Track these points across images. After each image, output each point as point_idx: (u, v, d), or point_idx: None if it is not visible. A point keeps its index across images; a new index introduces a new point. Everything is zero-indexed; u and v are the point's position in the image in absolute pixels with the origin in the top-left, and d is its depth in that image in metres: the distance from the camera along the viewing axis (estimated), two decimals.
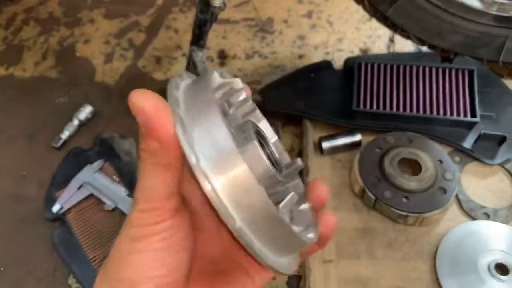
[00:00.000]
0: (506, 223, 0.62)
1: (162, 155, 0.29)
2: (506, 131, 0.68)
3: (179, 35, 0.90)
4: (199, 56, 0.70)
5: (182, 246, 0.30)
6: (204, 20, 0.67)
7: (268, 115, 0.37)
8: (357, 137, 0.69)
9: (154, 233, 0.29)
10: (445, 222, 0.63)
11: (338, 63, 0.79)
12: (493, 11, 0.66)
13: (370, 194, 0.62)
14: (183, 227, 0.30)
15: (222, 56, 0.86)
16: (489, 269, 0.56)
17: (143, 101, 0.29)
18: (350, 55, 0.84)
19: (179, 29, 0.90)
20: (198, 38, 0.69)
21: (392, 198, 0.61)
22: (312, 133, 0.71)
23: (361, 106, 0.69)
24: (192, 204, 0.33)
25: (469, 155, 0.68)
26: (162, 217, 0.29)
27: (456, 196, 0.65)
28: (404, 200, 0.61)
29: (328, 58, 0.84)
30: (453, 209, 0.64)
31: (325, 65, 0.76)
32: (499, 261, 0.57)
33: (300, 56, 0.85)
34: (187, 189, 0.32)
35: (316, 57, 0.85)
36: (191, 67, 0.71)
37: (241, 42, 0.88)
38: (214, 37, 0.88)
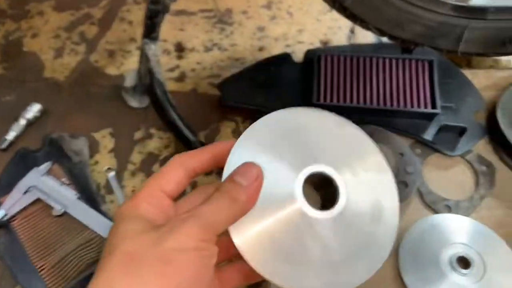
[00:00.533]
0: (467, 215, 0.62)
1: (244, 204, 0.32)
2: (466, 122, 0.68)
3: (133, 27, 0.85)
4: (152, 49, 0.67)
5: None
6: (156, 11, 0.63)
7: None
8: None
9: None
10: (407, 216, 0.62)
11: (299, 55, 0.77)
12: (452, 0, 0.65)
13: None
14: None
15: (180, 49, 0.82)
16: (450, 263, 0.56)
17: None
18: (311, 47, 0.82)
19: (133, 21, 0.86)
20: (151, 30, 0.66)
21: None
22: None
23: (321, 99, 0.68)
24: None
25: (431, 147, 0.67)
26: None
27: (418, 189, 0.64)
28: None
29: (289, 50, 0.82)
30: (415, 203, 0.63)
31: (284, 58, 0.74)
32: (461, 255, 0.56)
33: (261, 48, 0.83)
34: None
35: (277, 49, 0.82)
36: (144, 60, 0.67)
37: (199, 34, 0.84)
38: (171, 29, 0.84)
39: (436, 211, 0.62)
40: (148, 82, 0.67)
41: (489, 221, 0.61)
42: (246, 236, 0.33)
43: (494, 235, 0.59)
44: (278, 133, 0.37)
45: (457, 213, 0.62)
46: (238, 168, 0.34)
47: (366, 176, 0.36)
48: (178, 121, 0.64)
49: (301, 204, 0.34)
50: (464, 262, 0.56)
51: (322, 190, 0.36)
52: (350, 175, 0.36)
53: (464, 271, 0.55)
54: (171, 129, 0.66)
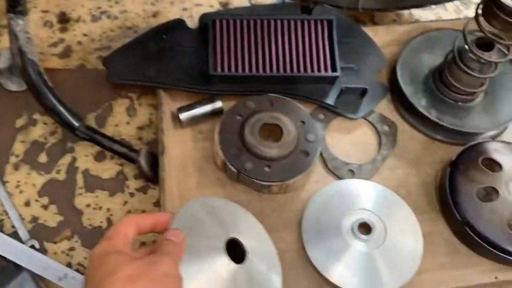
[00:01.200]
0: (370, 177, 0.62)
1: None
2: (367, 82, 0.66)
3: None
4: (20, 24, 0.58)
5: None
6: None
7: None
8: (218, 104, 0.63)
9: None
10: (310, 186, 0.61)
11: (196, 21, 0.71)
12: None
13: (231, 167, 0.57)
14: None
15: (64, 20, 0.74)
16: (352, 230, 0.56)
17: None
18: (210, 10, 0.76)
19: None
20: (14, 3, 0.57)
21: (254, 169, 0.57)
22: (169, 104, 0.64)
23: (219, 69, 0.63)
24: None
25: (333, 111, 0.66)
26: None
27: (322, 156, 0.63)
28: (267, 169, 0.58)
29: (186, 14, 0.76)
30: (318, 171, 0.62)
31: (178, 24, 0.68)
32: (362, 221, 0.56)
33: (155, 14, 0.76)
34: None
35: (173, 14, 0.76)
36: (12, 38, 0.59)
37: (85, 1, 0.76)
38: None
39: (339, 177, 0.62)
40: (20, 63, 0.59)
41: (392, 181, 0.62)
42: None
43: (396, 197, 0.59)
44: (201, 214, 0.50)
45: (360, 176, 0.62)
46: (173, 231, 0.45)
47: (254, 244, 0.51)
48: (58, 105, 0.58)
49: (225, 259, 0.46)
50: (365, 228, 0.56)
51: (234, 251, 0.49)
52: (246, 241, 0.50)
53: (365, 237, 0.55)
54: (51, 115, 0.59)
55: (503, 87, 0.66)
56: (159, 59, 0.65)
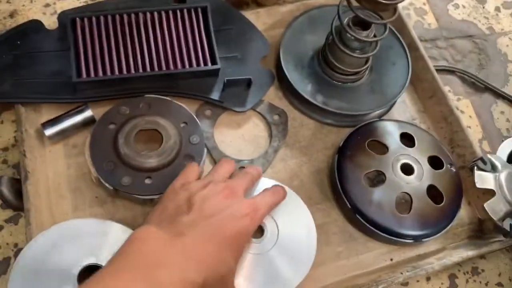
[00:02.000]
0: (264, 171, 0.59)
1: None
2: (253, 71, 0.63)
3: None
4: None
5: None
6: None
7: None
8: (88, 113, 0.57)
9: None
10: None
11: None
12: None
13: (107, 184, 0.52)
14: None
15: None
16: None
17: None
18: (77, 5, 0.68)
19: None
20: None
21: (132, 183, 0.52)
22: (32, 120, 0.56)
23: (84, 75, 0.57)
24: None
25: (220, 106, 0.62)
26: None
27: (211, 156, 0.59)
28: (147, 181, 0.53)
29: (49, 11, 0.68)
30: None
31: (33, 27, 0.60)
32: None
33: (12, 14, 0.67)
34: None
35: (34, 12, 0.67)
36: None
37: None
38: None
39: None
40: None
41: (284, 173, 0.60)
42: None
43: (287, 190, 0.57)
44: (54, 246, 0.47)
45: None
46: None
47: None
48: None
49: None
50: (257, 230, 0.54)
51: None
52: None
53: (257, 240, 0.53)
54: None
55: (388, 61, 0.65)
56: (14, 70, 0.57)
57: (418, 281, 0.56)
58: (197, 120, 0.58)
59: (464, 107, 0.69)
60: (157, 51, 0.59)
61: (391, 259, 0.56)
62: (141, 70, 0.58)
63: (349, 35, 0.57)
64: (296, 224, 0.55)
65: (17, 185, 0.53)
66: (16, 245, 0.53)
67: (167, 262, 0.41)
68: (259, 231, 0.54)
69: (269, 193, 0.52)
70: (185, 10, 0.61)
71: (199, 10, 0.62)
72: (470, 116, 0.69)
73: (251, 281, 0.51)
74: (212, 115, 0.62)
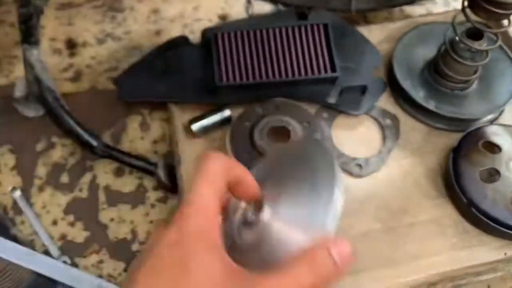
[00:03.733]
0: (378, 170, 0.65)
1: None
2: (366, 79, 0.69)
3: (17, 29, 0.78)
4: (34, 54, 0.62)
5: None
6: (28, 14, 0.58)
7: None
8: (226, 113, 0.66)
9: None
10: None
11: (198, 35, 0.74)
12: None
13: None
14: None
15: (71, 46, 0.77)
16: None
17: None
18: (209, 24, 0.80)
19: (15, 22, 0.79)
20: (28, 35, 0.61)
21: None
22: (181, 117, 0.67)
23: (224, 80, 0.67)
24: None
25: (336, 110, 0.69)
26: None
27: None
28: None
29: (187, 30, 0.80)
30: None
31: (181, 41, 0.71)
32: None
33: (157, 32, 0.79)
34: None
35: (175, 31, 0.79)
36: (28, 68, 0.62)
37: (90, 26, 0.79)
38: (58, 26, 0.78)
39: (348, 172, 0.65)
40: (37, 91, 0.62)
41: (398, 172, 0.65)
42: None
43: None
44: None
45: (367, 169, 0.64)
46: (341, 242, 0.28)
47: None
48: (76, 127, 0.61)
49: None
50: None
51: None
52: None
53: None
54: (70, 137, 0.62)
55: (495, 72, 0.69)
56: (167, 76, 0.68)
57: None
58: (318, 120, 0.66)
59: None
60: (284, 60, 0.68)
61: (505, 254, 0.58)
62: (270, 77, 0.67)
63: (463, 46, 0.63)
64: None
65: (169, 170, 0.63)
66: (165, 221, 0.63)
67: None
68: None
69: (305, 265, 0.30)
70: (308, 26, 0.70)
71: (321, 26, 0.70)
72: None
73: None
74: (328, 117, 0.69)
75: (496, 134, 0.63)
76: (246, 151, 0.62)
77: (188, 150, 0.64)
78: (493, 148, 0.61)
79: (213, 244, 0.30)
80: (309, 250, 0.30)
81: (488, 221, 0.57)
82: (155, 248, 0.30)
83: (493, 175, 0.60)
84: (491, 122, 0.67)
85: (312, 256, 0.29)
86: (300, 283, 0.28)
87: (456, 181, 0.59)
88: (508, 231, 0.56)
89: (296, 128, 0.63)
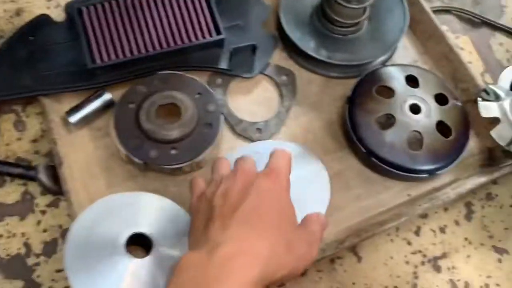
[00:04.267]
0: (277, 131, 0.62)
1: None
2: (256, 36, 0.65)
3: None
4: None
5: None
6: None
7: None
8: (107, 97, 0.60)
9: None
10: (224, 154, 0.60)
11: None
12: None
13: (136, 159, 0.56)
14: None
15: None
16: None
17: None
18: None
19: None
20: None
21: (159, 155, 0.56)
22: (56, 110, 0.60)
23: (98, 60, 0.59)
24: None
25: (230, 75, 0.65)
26: None
27: (228, 121, 0.62)
28: (173, 152, 0.56)
29: (53, 4, 0.70)
30: (228, 137, 0.62)
31: (42, 21, 0.62)
32: None
33: (18, 12, 0.69)
34: None
35: (38, 7, 0.69)
36: None
37: None
38: None
39: (249, 138, 0.62)
40: None
41: (298, 130, 0.63)
42: None
43: (296, 147, 0.60)
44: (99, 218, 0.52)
45: (267, 132, 0.61)
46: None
47: (165, 230, 0.53)
48: None
49: (125, 258, 0.49)
50: None
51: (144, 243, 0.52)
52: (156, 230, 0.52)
53: None
54: None
55: (385, 9, 0.67)
56: (32, 65, 0.60)
57: (436, 212, 0.60)
58: (210, 89, 0.61)
59: (463, 43, 0.71)
60: (163, 29, 0.62)
61: (409, 195, 0.59)
62: (150, 49, 0.61)
63: None
64: (308, 178, 0.58)
65: (53, 171, 0.57)
66: (60, 226, 0.57)
67: (213, 282, 0.39)
68: None
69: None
70: None
71: None
72: (470, 52, 0.71)
73: None
74: (222, 83, 0.65)
75: (389, 77, 0.62)
76: (135, 136, 0.56)
77: (71, 145, 0.58)
78: (387, 91, 0.60)
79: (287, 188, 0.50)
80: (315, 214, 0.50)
81: (388, 168, 0.57)
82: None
83: (389, 120, 0.59)
84: (385, 63, 0.66)
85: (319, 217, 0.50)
86: (315, 232, 0.48)
87: (354, 131, 0.58)
88: (409, 174, 0.57)
89: (186, 103, 0.58)
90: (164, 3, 0.63)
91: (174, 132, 0.57)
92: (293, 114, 0.64)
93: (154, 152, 0.56)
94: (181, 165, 0.56)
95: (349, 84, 0.64)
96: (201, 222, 0.46)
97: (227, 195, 0.46)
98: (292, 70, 0.66)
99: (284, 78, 0.66)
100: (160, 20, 0.62)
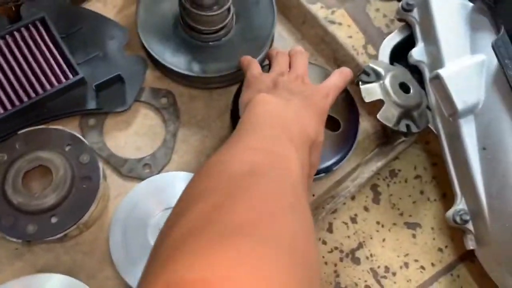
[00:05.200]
0: (168, 161, 0.58)
1: None
2: (121, 63, 0.59)
3: None
4: None
5: None
6: None
7: None
8: None
9: None
10: (114, 203, 0.56)
11: None
12: None
13: (14, 239, 0.50)
14: None
15: None
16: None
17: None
18: None
19: None
20: None
21: (39, 228, 0.50)
22: None
23: None
24: None
25: (102, 112, 0.59)
26: None
27: (111, 165, 0.57)
28: (54, 220, 0.51)
29: None
30: (115, 183, 0.57)
31: None
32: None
33: None
34: None
35: None
36: None
37: None
38: None
39: (139, 178, 0.57)
40: None
41: (190, 154, 0.59)
42: None
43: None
44: None
45: (157, 166, 0.57)
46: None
47: None
48: None
49: None
50: None
51: None
52: None
53: None
54: None
55: (250, 3, 0.63)
56: None
57: (344, 203, 0.59)
58: (80, 137, 0.55)
59: (341, 17, 0.69)
60: (11, 85, 0.55)
61: (313, 195, 0.58)
62: (0, 111, 0.54)
63: None
64: None
65: None
66: None
67: (291, 119, 0.46)
68: None
69: (337, 74, 0.54)
70: (23, 29, 0.56)
71: (38, 22, 0.57)
72: (349, 25, 0.68)
73: None
74: (96, 123, 0.59)
75: None
76: (5, 213, 0.50)
77: None
78: None
79: None
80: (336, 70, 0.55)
81: None
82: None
83: None
84: (262, 61, 0.63)
85: (339, 70, 0.55)
86: (336, 83, 0.53)
87: None
88: None
89: (56, 161, 0.52)
90: (7, 58, 0.55)
91: (49, 199, 0.51)
92: (181, 138, 0.60)
93: (32, 227, 0.50)
94: (66, 232, 0.51)
95: (233, 92, 0.60)
96: (262, 86, 0.51)
97: (290, 84, 0.51)
98: (170, 89, 0.61)
99: (163, 100, 0.61)
100: (7, 76, 0.55)
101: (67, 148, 0.54)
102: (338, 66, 0.62)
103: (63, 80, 0.56)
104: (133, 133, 0.60)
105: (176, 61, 0.59)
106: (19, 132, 0.54)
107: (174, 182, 0.56)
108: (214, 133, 0.60)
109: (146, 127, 0.60)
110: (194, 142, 0.60)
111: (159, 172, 0.57)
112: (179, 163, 0.58)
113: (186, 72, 0.59)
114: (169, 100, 0.61)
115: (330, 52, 0.63)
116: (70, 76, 0.56)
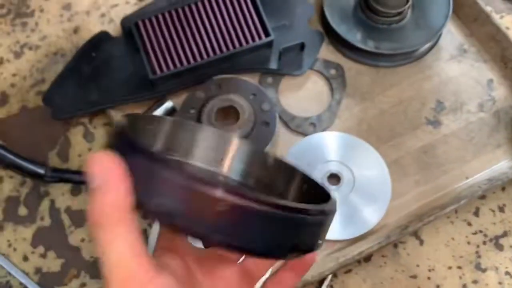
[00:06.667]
0: (331, 124, 0.65)
1: None
2: (303, 34, 0.67)
3: None
4: None
5: None
6: None
7: None
8: (169, 105, 0.64)
9: None
10: (280, 151, 0.63)
11: (118, 24, 0.69)
12: None
13: None
14: None
15: None
16: (321, 181, 0.59)
17: None
18: (127, 7, 0.74)
19: None
20: None
21: None
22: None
23: (158, 71, 0.63)
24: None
25: (280, 74, 0.67)
26: None
27: (282, 119, 0.65)
28: None
29: (106, 20, 0.74)
30: (283, 134, 0.64)
31: (102, 38, 0.66)
32: (330, 172, 0.60)
33: (76, 30, 0.73)
34: None
35: (93, 25, 0.74)
36: None
37: (1, 40, 0.73)
38: None
39: (303, 133, 0.64)
40: None
41: (352, 121, 0.65)
42: None
43: (354, 138, 0.62)
44: None
45: (321, 126, 0.64)
46: None
47: None
48: (16, 160, 0.58)
49: None
50: (334, 178, 0.60)
51: None
52: None
53: (333, 187, 0.59)
54: (14, 171, 0.59)
55: None
56: (96, 80, 0.64)
57: (494, 192, 0.61)
58: (263, 89, 0.64)
59: (509, 23, 0.71)
60: (215, 36, 0.65)
61: (467, 177, 0.60)
62: (205, 57, 0.64)
63: None
64: (369, 167, 0.60)
65: None
66: None
67: None
68: (335, 179, 0.60)
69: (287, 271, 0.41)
70: None
71: None
72: None
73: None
74: (273, 82, 0.67)
75: None
76: None
77: None
78: None
79: None
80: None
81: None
82: None
83: None
84: (431, 49, 0.67)
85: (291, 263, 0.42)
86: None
87: None
88: None
89: (243, 104, 0.61)
90: (214, 11, 0.65)
91: (235, 133, 0.60)
92: (345, 106, 0.66)
93: None
94: None
95: (397, 73, 0.65)
96: None
97: None
98: (340, 63, 0.68)
99: (333, 71, 0.68)
100: (212, 28, 0.65)
101: (251, 97, 0.63)
102: (505, 64, 0.65)
103: (257, 39, 0.65)
104: (302, 96, 0.67)
105: (352, 36, 0.66)
106: (214, 77, 0.64)
107: (335, 140, 0.63)
108: (377, 106, 0.65)
109: (314, 93, 0.67)
110: (357, 111, 0.65)
111: (323, 131, 0.64)
112: (341, 127, 0.64)
113: (360, 46, 0.65)
114: (338, 72, 0.68)
115: (498, 50, 0.66)
116: (263, 37, 0.65)
